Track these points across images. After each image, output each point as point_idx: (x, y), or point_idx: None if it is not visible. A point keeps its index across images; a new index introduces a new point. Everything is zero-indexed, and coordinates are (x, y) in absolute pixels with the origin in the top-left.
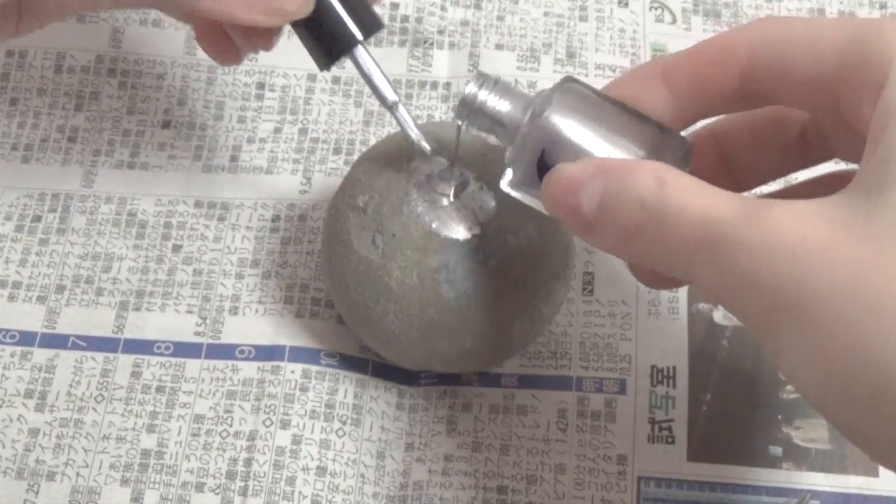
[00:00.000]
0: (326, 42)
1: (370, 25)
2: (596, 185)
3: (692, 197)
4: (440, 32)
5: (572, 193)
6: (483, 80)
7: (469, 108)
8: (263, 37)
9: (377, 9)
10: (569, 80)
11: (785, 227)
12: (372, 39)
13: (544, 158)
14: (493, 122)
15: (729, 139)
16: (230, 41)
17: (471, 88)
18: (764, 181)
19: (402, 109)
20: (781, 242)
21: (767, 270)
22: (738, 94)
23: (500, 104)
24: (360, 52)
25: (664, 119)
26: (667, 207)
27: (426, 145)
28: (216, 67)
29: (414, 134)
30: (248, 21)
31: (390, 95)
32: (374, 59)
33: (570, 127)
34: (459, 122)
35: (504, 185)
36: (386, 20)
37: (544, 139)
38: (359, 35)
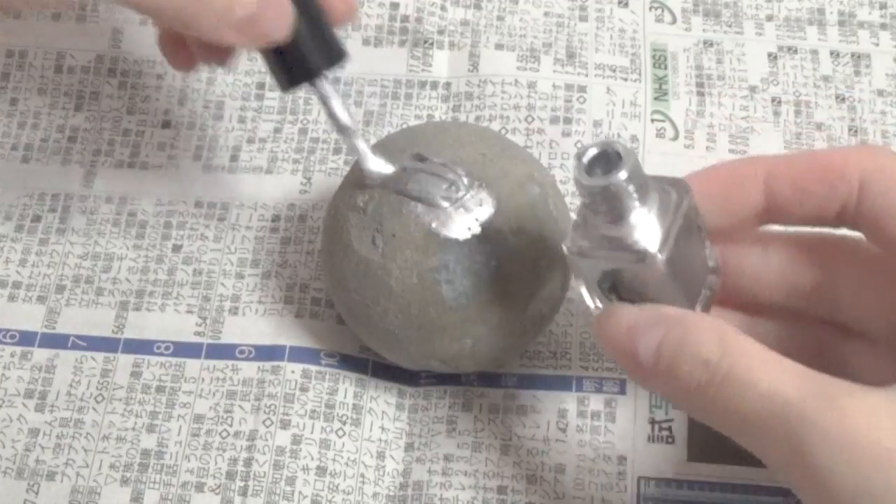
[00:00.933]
0: (289, 68)
1: (334, 56)
2: (655, 334)
3: (758, 367)
4: (440, 32)
5: (630, 337)
6: (632, 175)
7: (602, 197)
8: (224, 54)
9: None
10: (687, 193)
11: (865, 420)
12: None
13: (619, 271)
14: (611, 213)
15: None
16: (188, 51)
17: (621, 178)
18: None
19: (360, 139)
20: (864, 439)
21: (848, 467)
22: (836, 215)
23: (636, 207)
24: (319, 81)
25: (747, 217)
26: (731, 374)
27: (382, 173)
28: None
29: (372, 164)
30: (233, 43)
31: (347, 122)
32: (333, 88)
33: (667, 271)
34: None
35: (566, 247)
36: (386, 20)
37: (636, 268)
38: (322, 66)
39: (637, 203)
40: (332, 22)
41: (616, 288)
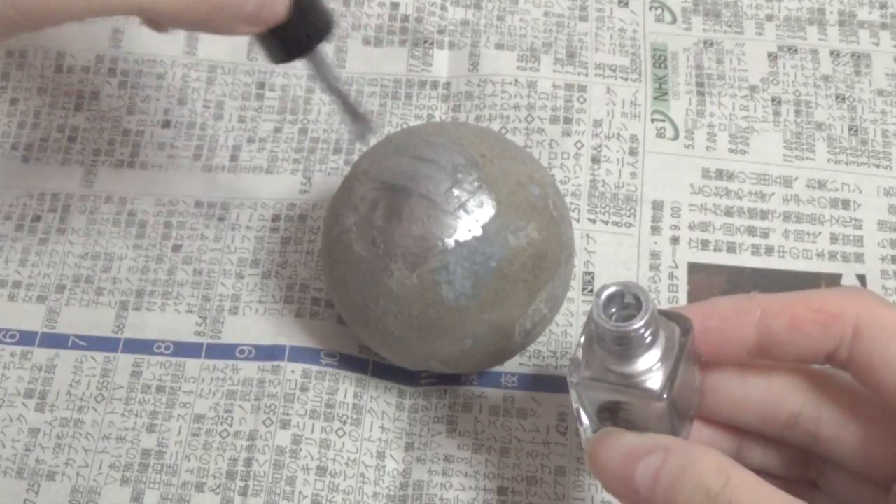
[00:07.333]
0: (284, 45)
1: (327, 28)
2: (654, 460)
3: (761, 502)
4: (440, 32)
5: (626, 462)
6: (649, 321)
7: (617, 339)
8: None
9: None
10: (690, 331)
11: None
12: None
13: (618, 402)
14: (623, 354)
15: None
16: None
17: (640, 326)
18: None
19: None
20: None
21: None
22: (826, 356)
23: (646, 349)
24: (314, 54)
25: (738, 352)
26: None
27: (370, 130)
28: (216, 67)
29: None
30: (242, 34)
31: (340, 86)
32: (324, 57)
33: (667, 406)
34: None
35: (570, 378)
36: (386, 20)
37: (638, 401)
38: (316, 40)
39: (647, 345)
40: None
41: (611, 414)
